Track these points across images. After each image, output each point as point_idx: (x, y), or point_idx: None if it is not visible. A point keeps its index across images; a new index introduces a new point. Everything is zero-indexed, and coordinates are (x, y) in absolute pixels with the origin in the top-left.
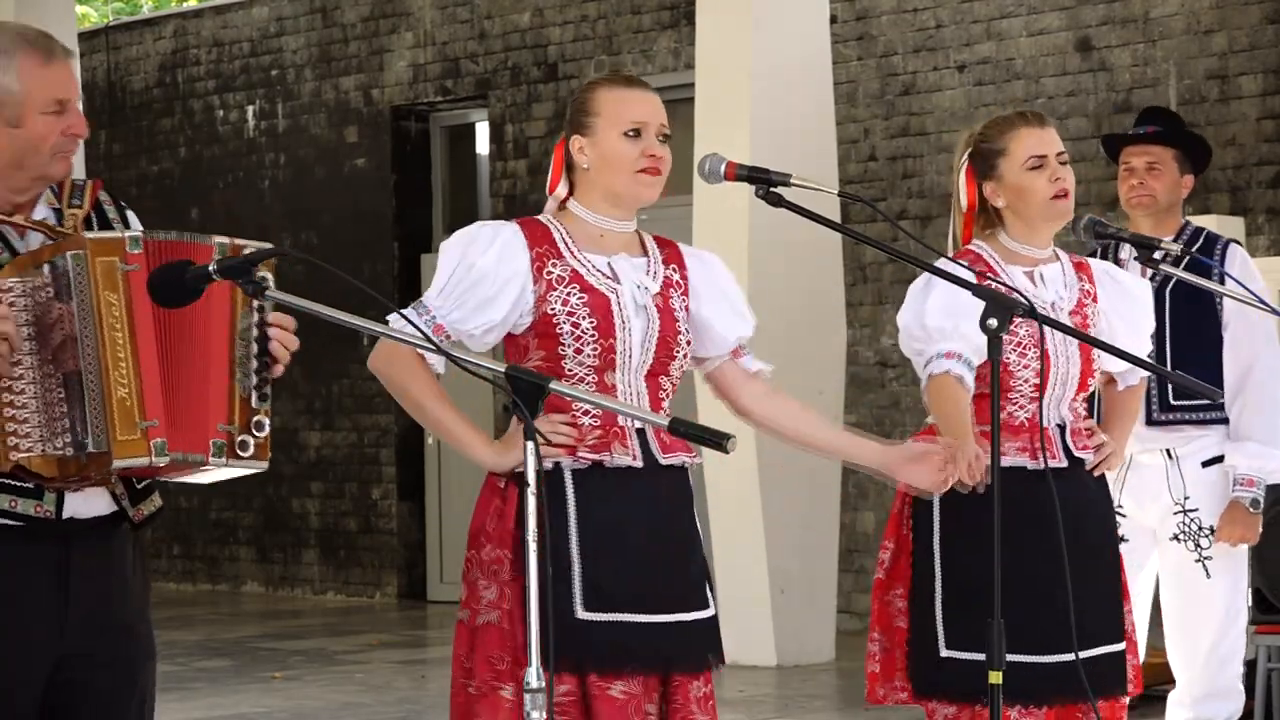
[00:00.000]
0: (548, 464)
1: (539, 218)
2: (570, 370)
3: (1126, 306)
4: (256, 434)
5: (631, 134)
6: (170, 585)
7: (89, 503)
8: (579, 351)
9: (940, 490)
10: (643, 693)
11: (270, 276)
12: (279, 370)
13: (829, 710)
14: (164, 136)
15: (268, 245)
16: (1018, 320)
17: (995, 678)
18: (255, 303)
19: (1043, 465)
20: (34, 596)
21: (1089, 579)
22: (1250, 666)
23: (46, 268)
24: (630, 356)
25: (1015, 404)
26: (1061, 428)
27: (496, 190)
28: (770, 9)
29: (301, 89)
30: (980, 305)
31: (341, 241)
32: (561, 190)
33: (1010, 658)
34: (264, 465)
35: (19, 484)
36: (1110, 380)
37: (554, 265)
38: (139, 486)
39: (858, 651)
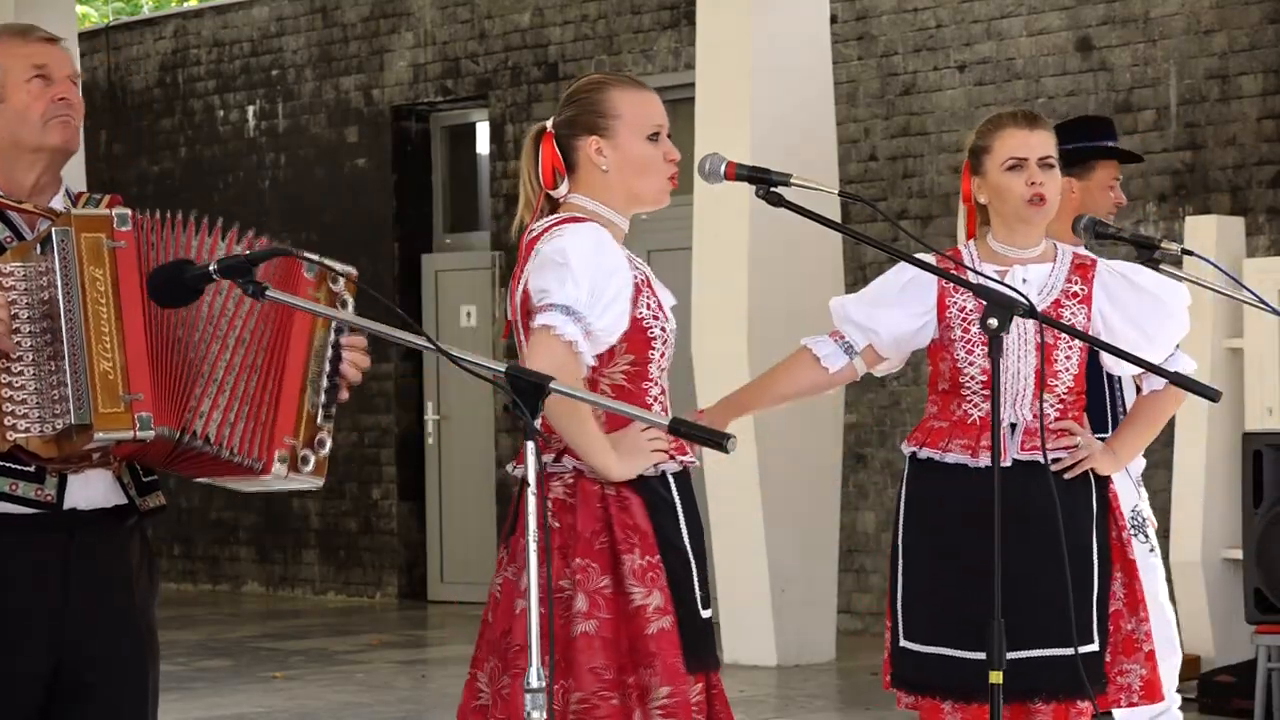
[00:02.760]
0: (654, 470)
1: (602, 219)
2: (652, 374)
3: (1139, 309)
4: (318, 450)
5: (653, 138)
6: (171, 585)
7: (91, 493)
8: (662, 355)
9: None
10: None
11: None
12: (345, 395)
13: (829, 710)
14: (164, 136)
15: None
16: (966, 320)
17: (996, 677)
18: (333, 323)
19: (984, 464)
20: (33, 590)
21: (1034, 581)
22: (1250, 666)
23: (39, 247)
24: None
25: (969, 402)
26: (1013, 426)
27: (496, 190)
28: (770, 9)
29: (302, 89)
30: (908, 297)
31: (341, 241)
32: (563, 188)
33: (949, 653)
34: (320, 482)
35: (19, 466)
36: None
37: (635, 268)
38: (145, 479)
39: (858, 651)
